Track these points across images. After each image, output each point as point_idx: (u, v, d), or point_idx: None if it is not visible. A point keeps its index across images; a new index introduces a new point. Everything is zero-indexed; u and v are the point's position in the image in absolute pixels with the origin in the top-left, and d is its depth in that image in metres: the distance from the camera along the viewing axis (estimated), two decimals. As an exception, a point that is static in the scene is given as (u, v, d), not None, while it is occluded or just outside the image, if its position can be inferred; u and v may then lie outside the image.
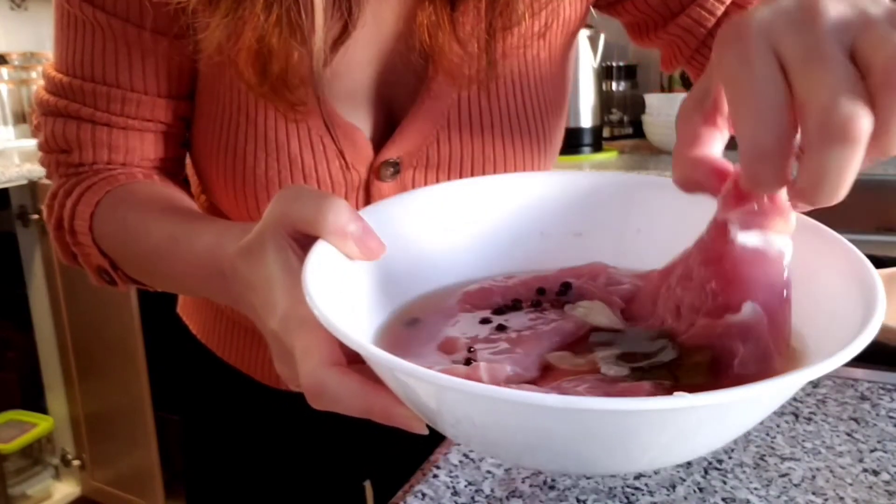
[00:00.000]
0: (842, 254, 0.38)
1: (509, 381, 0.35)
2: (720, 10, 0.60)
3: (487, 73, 0.56)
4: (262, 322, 0.41)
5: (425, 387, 0.31)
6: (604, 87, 2.23)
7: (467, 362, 0.36)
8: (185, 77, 0.60)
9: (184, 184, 0.66)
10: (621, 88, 2.29)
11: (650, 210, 0.47)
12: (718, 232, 0.36)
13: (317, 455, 0.78)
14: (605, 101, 2.23)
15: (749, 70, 0.30)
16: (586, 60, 1.96)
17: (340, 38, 0.54)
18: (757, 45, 0.30)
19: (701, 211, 0.44)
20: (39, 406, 2.22)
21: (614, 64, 2.28)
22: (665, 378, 0.34)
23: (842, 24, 0.30)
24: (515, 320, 0.40)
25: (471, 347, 0.38)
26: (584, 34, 1.94)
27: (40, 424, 2.17)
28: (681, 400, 0.27)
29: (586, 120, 1.99)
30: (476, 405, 0.30)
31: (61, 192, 0.61)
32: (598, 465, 0.35)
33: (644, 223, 0.47)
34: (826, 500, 0.46)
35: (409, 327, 0.41)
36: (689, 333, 0.37)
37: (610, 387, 0.34)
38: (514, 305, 0.42)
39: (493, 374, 0.35)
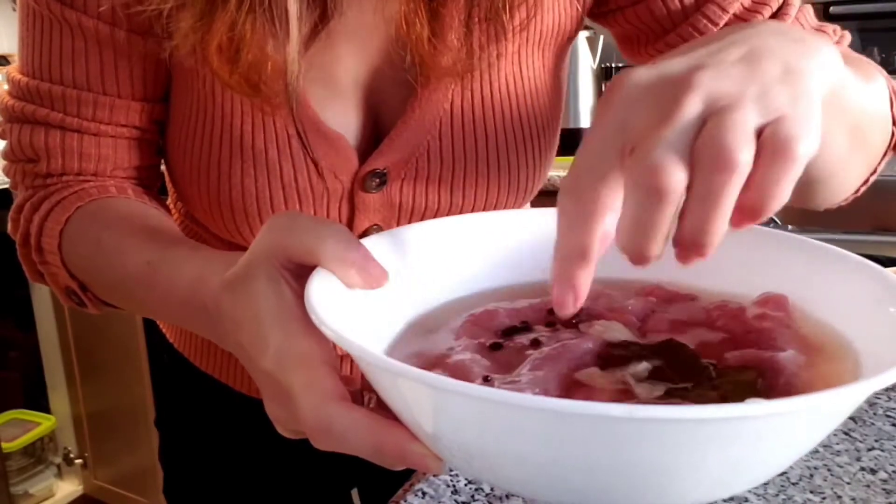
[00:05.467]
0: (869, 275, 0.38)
1: None
2: (711, 31, 0.58)
3: (467, 65, 0.54)
4: (251, 361, 0.38)
5: (478, 405, 0.27)
6: (603, 87, 2.23)
7: None
8: (160, 78, 0.57)
9: (159, 195, 0.62)
10: (621, 89, 2.29)
11: None
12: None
13: (303, 463, 0.75)
14: (606, 102, 2.22)
15: (588, 148, 0.31)
16: (585, 62, 1.96)
17: (315, 30, 0.52)
18: (612, 119, 0.31)
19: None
20: (42, 405, 2.22)
21: (613, 65, 2.28)
22: (711, 398, 0.32)
23: (707, 99, 0.30)
24: (528, 342, 0.38)
25: (487, 377, 0.35)
26: (582, 35, 1.94)
27: (43, 423, 2.17)
28: (782, 403, 0.25)
29: (585, 121, 1.99)
30: (525, 420, 0.26)
31: (28, 206, 0.57)
32: (643, 497, 0.30)
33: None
34: (824, 498, 0.46)
35: (414, 355, 0.38)
36: (728, 358, 0.36)
37: None
38: (524, 327, 0.40)
39: None
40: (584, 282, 0.32)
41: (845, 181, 0.52)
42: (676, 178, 0.29)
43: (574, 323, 0.40)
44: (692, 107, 0.30)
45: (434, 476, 0.50)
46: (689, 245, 0.30)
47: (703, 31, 0.59)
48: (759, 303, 0.40)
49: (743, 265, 0.42)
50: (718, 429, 0.26)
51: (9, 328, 2.22)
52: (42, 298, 2.09)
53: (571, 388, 0.34)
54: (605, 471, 0.27)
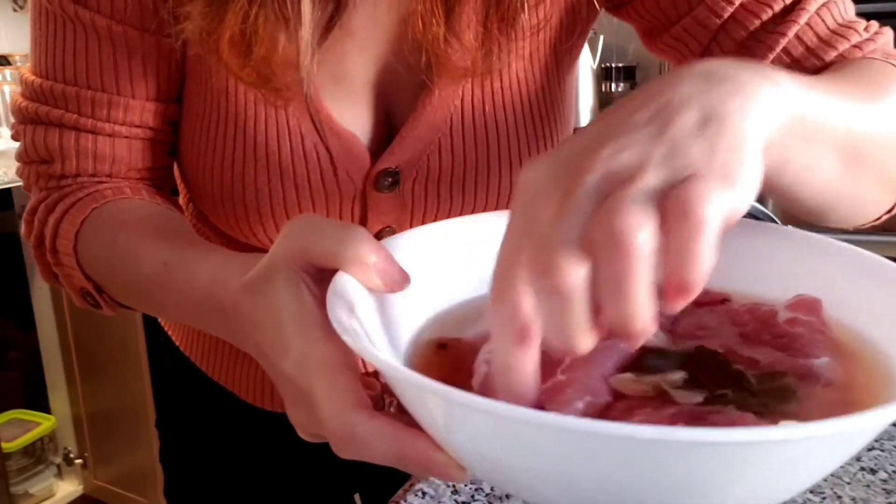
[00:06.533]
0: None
1: (586, 415, 0.31)
2: (715, 23, 0.56)
3: (484, 66, 0.53)
4: (271, 364, 0.38)
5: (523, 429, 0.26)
6: (603, 87, 2.23)
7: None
8: (174, 78, 0.56)
9: (172, 196, 0.62)
10: (620, 89, 2.30)
11: None
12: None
13: (305, 468, 0.75)
14: (605, 102, 2.23)
15: (498, 259, 0.31)
16: (585, 62, 1.97)
17: (329, 25, 0.51)
18: (516, 225, 0.30)
19: (727, 236, 0.43)
20: (42, 405, 2.22)
21: (613, 65, 2.28)
22: (754, 406, 0.31)
23: (606, 177, 0.29)
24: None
25: None
26: (583, 35, 1.94)
27: (43, 423, 2.17)
28: (835, 423, 0.24)
29: (585, 120, 2.00)
30: (553, 439, 0.26)
31: (42, 208, 0.57)
32: None
33: None
34: (824, 498, 0.46)
35: (440, 358, 0.38)
36: (761, 361, 0.35)
37: (701, 419, 0.30)
38: None
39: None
40: (529, 365, 0.30)
41: (857, 205, 0.46)
42: (574, 276, 0.28)
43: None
44: (586, 190, 0.28)
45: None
46: (622, 335, 0.28)
47: (705, 22, 0.56)
48: (791, 306, 0.39)
49: (778, 269, 0.41)
50: (754, 450, 0.25)
51: (9, 328, 2.22)
52: (42, 298, 2.09)
53: (613, 395, 0.33)
54: (632, 490, 0.27)
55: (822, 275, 0.40)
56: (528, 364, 0.30)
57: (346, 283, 0.36)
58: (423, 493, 0.48)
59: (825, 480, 0.48)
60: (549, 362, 0.35)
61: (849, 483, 0.48)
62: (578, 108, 1.99)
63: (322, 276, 0.36)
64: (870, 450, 0.51)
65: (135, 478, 2.09)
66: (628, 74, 2.29)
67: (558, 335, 0.29)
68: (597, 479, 0.27)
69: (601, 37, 2.02)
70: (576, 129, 0.33)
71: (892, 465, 0.50)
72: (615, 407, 0.32)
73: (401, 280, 0.37)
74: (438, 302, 0.42)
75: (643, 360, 0.35)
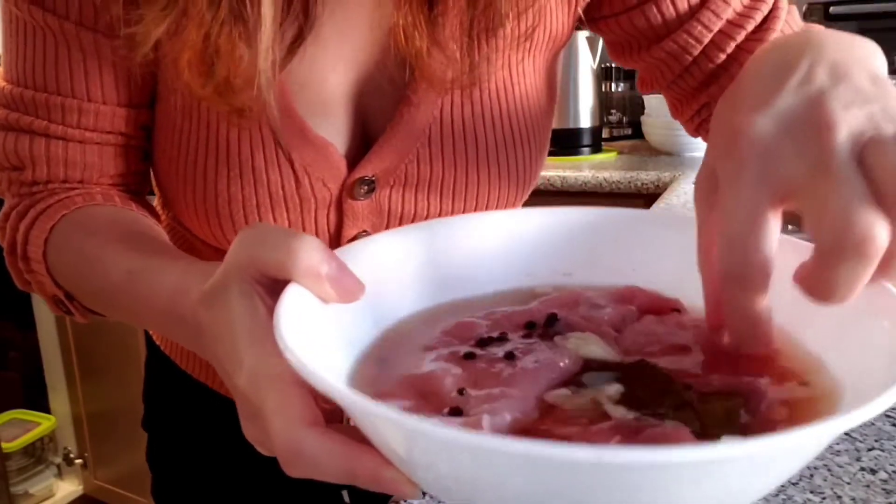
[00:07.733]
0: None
1: (512, 430, 0.32)
2: (707, 37, 0.58)
3: (469, 77, 0.53)
4: (227, 376, 0.37)
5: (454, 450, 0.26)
6: (603, 87, 2.23)
7: (455, 412, 0.32)
8: (146, 83, 0.56)
9: (146, 201, 0.61)
10: (620, 89, 2.30)
11: (647, 246, 0.44)
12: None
13: None
14: (605, 102, 2.23)
15: (739, 204, 0.32)
16: (585, 62, 1.97)
17: (296, 42, 0.50)
18: (753, 174, 0.32)
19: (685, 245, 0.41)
20: (42, 405, 2.22)
21: (613, 65, 2.28)
22: (693, 424, 0.31)
23: (852, 134, 0.31)
24: (503, 354, 0.37)
25: (462, 390, 0.34)
26: (582, 35, 1.94)
27: (43, 423, 2.18)
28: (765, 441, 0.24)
29: (585, 120, 1.99)
30: (489, 458, 0.26)
31: (14, 214, 0.56)
32: None
33: (640, 261, 0.44)
34: (824, 498, 0.46)
35: (383, 367, 0.37)
36: (705, 382, 0.35)
37: (636, 434, 0.30)
38: (501, 338, 0.39)
39: (495, 427, 0.31)
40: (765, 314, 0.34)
41: None
42: (883, 235, 0.29)
43: (550, 334, 0.39)
44: (843, 146, 0.30)
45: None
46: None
47: (697, 37, 0.58)
48: None
49: None
50: (690, 469, 0.25)
51: (9, 328, 2.23)
52: (42, 299, 2.09)
53: (545, 409, 0.33)
54: None
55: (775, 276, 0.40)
56: (764, 312, 0.34)
57: (297, 295, 0.35)
58: (423, 493, 0.48)
59: (825, 480, 0.48)
60: (488, 374, 0.35)
61: (849, 483, 0.48)
62: (578, 108, 1.98)
63: (276, 288, 0.36)
64: (870, 450, 0.51)
65: (135, 478, 2.09)
66: (628, 74, 2.29)
67: (840, 289, 0.31)
68: (539, 496, 0.27)
69: (601, 37, 2.03)
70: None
71: (891, 465, 0.50)
72: (547, 421, 0.32)
73: (355, 290, 0.36)
74: (396, 309, 0.41)
75: (583, 375, 0.36)
